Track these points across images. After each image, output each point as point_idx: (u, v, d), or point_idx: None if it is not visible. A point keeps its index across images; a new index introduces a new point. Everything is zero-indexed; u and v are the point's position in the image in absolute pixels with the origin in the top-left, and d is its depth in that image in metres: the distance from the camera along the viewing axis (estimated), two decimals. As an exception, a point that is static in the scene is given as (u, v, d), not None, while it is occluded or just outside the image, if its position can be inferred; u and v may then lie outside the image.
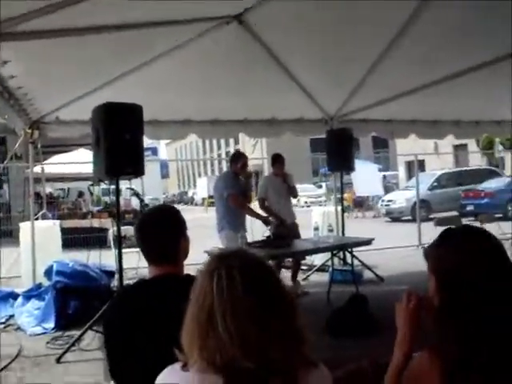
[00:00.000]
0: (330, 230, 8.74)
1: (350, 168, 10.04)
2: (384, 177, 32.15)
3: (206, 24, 6.22)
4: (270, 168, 9.59)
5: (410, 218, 21.39)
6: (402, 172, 34.79)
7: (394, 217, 23.81)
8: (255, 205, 9.48)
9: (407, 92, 8.68)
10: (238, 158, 8.40)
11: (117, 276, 6.94)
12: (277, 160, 9.02)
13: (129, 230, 9.32)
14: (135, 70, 6.96)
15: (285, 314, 1.56)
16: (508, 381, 1.59)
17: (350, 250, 8.82)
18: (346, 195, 28.69)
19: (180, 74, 7.41)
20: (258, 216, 8.73)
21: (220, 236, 8.10)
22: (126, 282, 7.77)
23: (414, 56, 7.26)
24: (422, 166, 29.11)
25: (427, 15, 6.11)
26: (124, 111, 5.80)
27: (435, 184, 24.09)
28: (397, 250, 12.14)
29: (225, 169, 8.58)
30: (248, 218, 8.68)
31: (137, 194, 10.66)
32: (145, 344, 2.29)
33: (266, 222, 8.52)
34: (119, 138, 5.71)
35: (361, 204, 26.36)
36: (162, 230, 2.55)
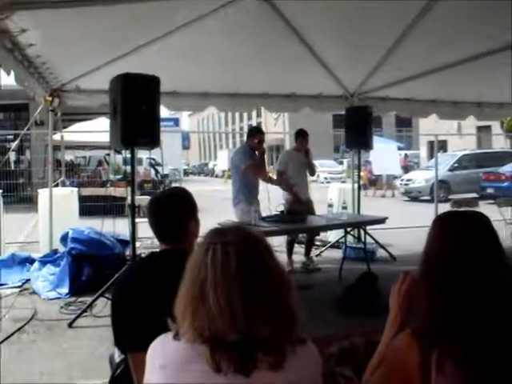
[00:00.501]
0: (344, 208, 8.73)
1: (368, 146, 9.96)
2: (406, 156, 31.92)
3: (228, -4, 6.19)
4: (292, 143, 9.58)
5: (428, 198, 21.27)
6: (423, 151, 34.46)
7: (413, 196, 23.66)
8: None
9: (428, 72, 8.58)
10: (255, 134, 8.40)
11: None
12: (301, 135, 9.01)
13: (146, 200, 9.39)
14: (156, 40, 6.97)
15: (276, 292, 1.59)
16: (481, 358, 1.60)
17: (363, 227, 8.82)
18: (361, 173, 28.67)
19: (201, 46, 7.39)
20: (276, 182, 8.80)
21: (235, 209, 8.15)
22: (141, 251, 7.90)
23: (435, 36, 7.16)
24: (444, 146, 28.85)
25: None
26: (141, 82, 5.84)
27: (456, 165, 23.84)
28: (412, 230, 12.08)
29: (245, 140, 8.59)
30: (263, 192, 8.73)
31: (153, 165, 10.68)
32: (148, 313, 2.35)
33: (283, 185, 8.61)
34: (135, 108, 5.76)
35: (375, 183, 26.21)
36: (171, 212, 2.65)
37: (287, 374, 1.54)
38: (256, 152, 8.29)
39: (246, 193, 8.08)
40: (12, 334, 5.96)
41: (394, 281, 1.99)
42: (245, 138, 8.74)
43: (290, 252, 8.97)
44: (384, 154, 21.47)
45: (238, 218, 7.85)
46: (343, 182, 17.64)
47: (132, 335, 2.43)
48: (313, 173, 9.36)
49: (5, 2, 4.50)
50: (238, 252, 1.57)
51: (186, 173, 54.15)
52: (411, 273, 1.96)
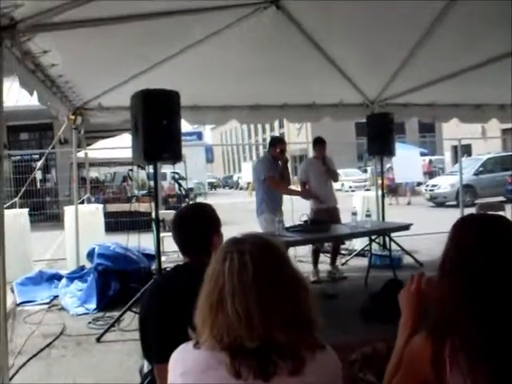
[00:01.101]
0: (368, 215, 8.71)
1: (390, 153, 9.92)
2: (430, 161, 31.70)
3: (243, 9, 6.22)
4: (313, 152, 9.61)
5: (454, 203, 21.08)
6: (448, 156, 34.21)
7: (438, 202, 23.47)
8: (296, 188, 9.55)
9: (449, 76, 8.51)
10: (277, 143, 8.44)
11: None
12: (318, 143, 9.04)
13: (171, 214, 9.46)
14: (174, 56, 7.04)
15: (293, 298, 1.61)
16: (493, 350, 1.60)
17: (388, 234, 8.79)
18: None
19: (219, 60, 7.45)
20: (297, 193, 8.83)
21: (259, 219, 8.18)
22: (167, 264, 7.96)
23: (455, 39, 7.13)
24: (468, 150, 28.60)
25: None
26: (161, 97, 5.90)
27: (481, 169, 23.63)
28: (439, 236, 11.99)
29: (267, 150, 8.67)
30: (287, 203, 8.75)
31: (176, 180, 10.77)
32: (172, 325, 2.39)
33: (305, 196, 8.61)
34: (156, 123, 5.82)
35: (394, 190, 25.99)
36: (195, 226, 2.73)
37: (307, 379, 1.56)
38: (279, 162, 8.32)
39: (269, 202, 8.11)
40: (42, 350, 6.04)
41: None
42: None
43: (315, 262, 8.97)
44: (406, 161, 21.35)
45: (262, 228, 7.88)
46: (367, 190, 17.57)
47: (157, 347, 2.48)
48: (335, 179, 9.36)
49: (27, 25, 4.59)
50: (254, 260, 1.60)
51: (213, 186, 54.30)
52: (422, 274, 1.97)
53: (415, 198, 25.76)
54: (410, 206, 23.84)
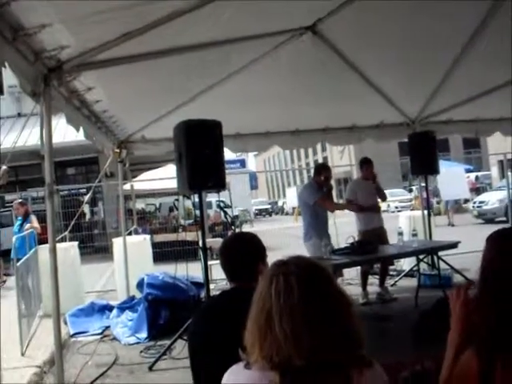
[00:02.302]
0: (414, 235, 8.63)
1: (434, 171, 9.83)
2: (476, 177, 31.20)
3: (280, 37, 6.32)
4: (359, 174, 9.61)
5: (504, 219, 20.65)
6: (494, 172, 33.59)
7: (487, 218, 23.02)
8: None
9: (490, 90, 8.45)
10: (321, 171, 8.47)
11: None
12: (364, 164, 9.06)
13: (218, 242, 9.52)
14: (215, 86, 7.17)
15: (338, 317, 1.64)
16: None
17: (436, 253, 8.69)
18: (414, 202, 28.00)
19: (259, 87, 7.56)
20: (347, 206, 8.83)
21: (307, 245, 8.18)
22: (216, 292, 8.01)
23: (493, 53, 7.07)
24: (516, 164, 28.05)
25: (505, 9, 5.97)
26: (203, 127, 6.01)
27: (530, 183, 23.11)
28: (489, 253, 11.81)
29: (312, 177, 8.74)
30: (331, 226, 8.75)
31: (221, 208, 10.87)
32: (223, 351, 2.43)
33: (353, 208, 8.60)
34: (200, 153, 5.92)
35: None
36: (242, 255, 2.82)
37: None
38: (324, 188, 8.33)
39: (317, 228, 8.12)
40: (96, 379, 6.16)
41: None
42: (312, 174, 8.82)
43: (364, 283, 8.92)
44: (451, 179, 21.05)
45: (310, 253, 7.88)
46: (412, 209, 17.38)
47: (206, 372, 2.52)
48: (384, 198, 9.34)
49: (73, 65, 4.77)
50: (299, 281, 1.64)
51: (269, 213, 53.99)
52: (463, 288, 1.96)
53: (461, 216, 25.26)
54: (454, 226, 23.34)
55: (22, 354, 6.95)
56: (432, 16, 6.13)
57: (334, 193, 8.84)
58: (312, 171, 8.99)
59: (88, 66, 5.00)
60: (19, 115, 22.25)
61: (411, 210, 18.90)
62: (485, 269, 1.84)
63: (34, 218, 11.34)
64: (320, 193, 8.23)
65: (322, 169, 8.65)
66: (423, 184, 10.74)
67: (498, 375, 1.61)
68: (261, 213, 53.67)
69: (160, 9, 4.30)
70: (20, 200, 12.49)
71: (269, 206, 57.43)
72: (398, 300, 8.86)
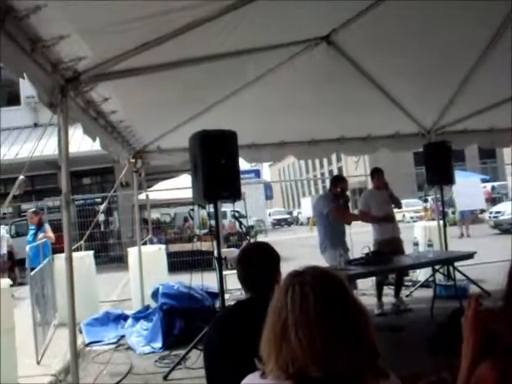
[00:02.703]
0: (430, 245, 8.60)
1: (449, 181, 9.82)
2: (493, 187, 31.00)
3: (295, 47, 6.34)
4: (372, 184, 9.59)
5: (521, 229, 20.50)
6: (510, 182, 33.35)
7: (504, 229, 22.84)
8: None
9: (506, 99, 8.40)
10: (338, 182, 8.47)
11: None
12: (374, 173, 9.06)
13: (233, 252, 9.55)
14: (230, 96, 7.20)
15: (355, 327, 1.64)
16: None
17: (452, 264, 8.64)
18: (423, 213, 27.83)
19: (273, 98, 7.58)
20: (358, 217, 8.81)
21: (323, 256, 8.15)
22: (230, 302, 8.01)
23: (509, 62, 7.05)
24: (532, 174, 27.85)
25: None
26: (219, 137, 6.03)
27: (546, 192, 22.97)
28: (506, 264, 11.70)
29: (328, 188, 8.74)
30: (348, 236, 8.73)
31: (236, 218, 10.88)
32: (236, 359, 2.44)
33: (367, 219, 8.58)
34: (215, 163, 5.94)
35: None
36: (258, 266, 2.84)
37: None
38: (340, 200, 8.32)
39: (332, 238, 8.09)
40: (111, 389, 6.17)
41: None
42: (327, 184, 8.83)
43: (379, 294, 8.87)
44: (467, 189, 20.92)
45: (327, 263, 7.85)
46: (428, 219, 17.29)
47: (222, 382, 2.53)
48: (398, 205, 9.31)
49: (89, 76, 4.82)
50: (315, 291, 1.64)
51: (288, 223, 52.26)
52: (477, 297, 1.94)
53: (477, 226, 25.07)
54: (473, 234, 23.17)
55: (38, 363, 6.99)
56: (447, 26, 6.14)
57: (349, 203, 8.80)
58: (327, 181, 9.02)
59: (105, 77, 5.05)
60: (36, 125, 22.47)
61: (421, 220, 18.73)
62: (508, 282, 1.82)
63: (48, 227, 11.39)
64: (335, 203, 8.21)
65: (338, 180, 8.64)
66: (438, 195, 10.68)
67: None
68: (279, 223, 52.07)
69: (176, 20, 4.34)
70: (34, 209, 12.55)
71: (288, 216, 55.37)
72: (413, 311, 8.80)
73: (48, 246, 10.00)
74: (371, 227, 9.13)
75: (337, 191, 8.31)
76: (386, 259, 7.85)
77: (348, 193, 8.75)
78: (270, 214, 55.10)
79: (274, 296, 1.75)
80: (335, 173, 49.15)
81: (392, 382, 1.68)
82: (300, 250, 16.69)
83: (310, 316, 1.61)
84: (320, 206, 8.38)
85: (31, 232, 11.57)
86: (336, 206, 8.15)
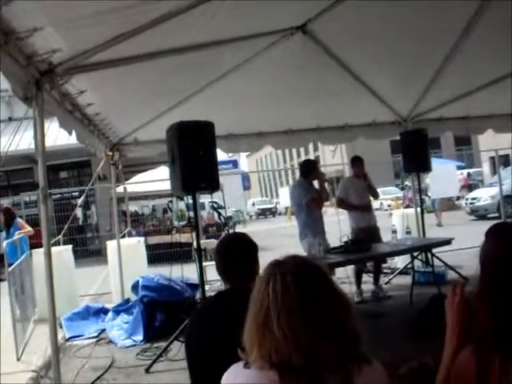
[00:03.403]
0: (408, 232, 8.67)
1: (426, 169, 9.91)
2: (468, 174, 31.31)
3: (270, 37, 6.35)
4: (351, 172, 9.62)
5: (496, 215, 20.71)
6: (486, 168, 33.74)
7: (480, 214, 23.07)
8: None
9: (481, 87, 8.49)
10: (313, 169, 8.43)
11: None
12: (355, 161, 9.09)
13: (212, 244, 9.54)
14: (206, 86, 7.19)
15: (336, 314, 1.65)
16: None
17: (430, 250, 8.73)
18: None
19: (250, 88, 7.57)
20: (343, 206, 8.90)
21: (302, 244, 8.15)
22: (210, 293, 8.02)
23: (484, 50, 7.11)
24: (507, 160, 28.17)
25: (494, 7, 6.01)
26: (196, 128, 6.01)
27: (521, 178, 23.18)
28: (482, 250, 11.82)
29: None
30: (334, 224, 8.75)
31: (215, 209, 10.87)
32: (218, 350, 2.45)
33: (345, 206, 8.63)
34: (193, 154, 5.92)
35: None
36: (237, 256, 2.88)
37: None
38: (316, 182, 8.29)
39: (312, 226, 8.08)
40: (93, 383, 6.15)
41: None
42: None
43: (358, 282, 8.94)
44: (443, 176, 21.05)
45: (306, 251, 7.87)
46: (406, 207, 17.41)
47: (204, 372, 2.54)
48: (375, 196, 9.37)
49: (65, 68, 4.77)
50: (296, 280, 1.65)
51: (273, 212, 50.43)
52: (460, 284, 1.96)
53: (454, 213, 25.28)
54: (451, 220, 23.32)
55: (18, 359, 6.93)
56: (422, 14, 6.18)
57: (327, 187, 8.77)
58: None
59: (80, 69, 5.00)
60: (10, 119, 22.19)
61: (404, 207, 18.80)
62: (486, 262, 1.85)
63: (20, 221, 10.89)
64: (311, 191, 8.18)
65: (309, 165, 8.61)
66: (416, 182, 10.76)
67: (495, 374, 1.62)
68: (264, 213, 50.84)
69: (151, 11, 4.31)
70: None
71: (273, 206, 53.22)
72: (392, 298, 8.88)
73: (25, 241, 9.89)
74: (347, 215, 9.19)
75: (313, 174, 8.27)
76: (365, 247, 7.89)
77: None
78: (253, 204, 54.82)
79: (255, 286, 1.76)
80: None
81: (374, 368, 1.70)
82: (279, 239, 16.78)
83: (291, 305, 1.62)
84: (297, 196, 8.34)
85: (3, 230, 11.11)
86: (312, 196, 8.13)
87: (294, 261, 1.76)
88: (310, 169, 8.41)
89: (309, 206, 8.06)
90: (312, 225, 8.09)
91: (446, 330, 1.91)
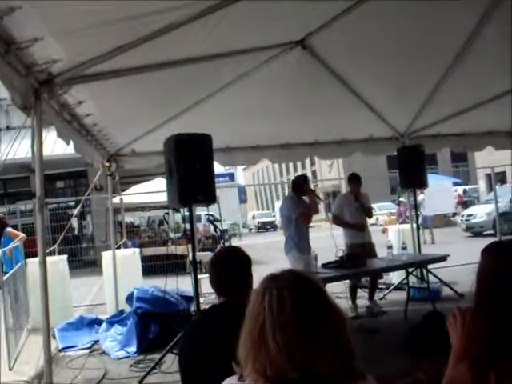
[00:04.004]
0: (404, 248, 8.68)
1: (422, 185, 9.92)
2: (464, 191, 31.35)
3: (270, 51, 6.37)
4: (347, 187, 9.62)
5: (492, 232, 20.74)
6: (482, 185, 33.82)
7: (475, 231, 23.09)
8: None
9: (479, 103, 8.53)
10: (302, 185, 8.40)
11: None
12: (351, 180, 9.09)
13: (207, 256, 9.52)
14: (204, 99, 7.20)
15: (332, 330, 1.65)
16: None
17: (425, 266, 8.74)
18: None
19: (248, 101, 7.59)
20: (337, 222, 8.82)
21: (288, 257, 8.16)
22: (205, 306, 8.00)
23: (483, 66, 7.14)
24: (503, 177, 28.24)
25: (493, 23, 6.04)
26: (193, 141, 6.02)
27: (517, 196, 23.23)
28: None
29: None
30: (318, 239, 8.73)
31: (211, 221, 10.87)
32: (215, 365, 2.44)
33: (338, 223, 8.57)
34: (190, 167, 5.93)
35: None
36: (229, 270, 2.89)
37: None
38: (304, 198, 8.25)
39: (297, 240, 8.07)
40: (85, 395, 6.11)
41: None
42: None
43: (353, 297, 8.93)
44: (438, 192, 21.05)
45: (291, 265, 7.85)
46: (402, 222, 17.42)
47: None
48: (369, 215, 9.36)
49: (64, 79, 4.79)
50: (291, 294, 1.65)
51: (274, 226, 47.49)
52: (461, 308, 1.97)
53: (450, 230, 25.27)
54: (444, 236, 23.29)
55: (10, 369, 6.90)
56: (421, 31, 6.21)
57: (322, 206, 8.80)
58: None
59: (79, 80, 5.02)
60: (8, 128, 22.19)
61: (400, 223, 18.77)
62: (482, 279, 1.86)
63: (10, 229, 10.71)
64: (300, 206, 8.15)
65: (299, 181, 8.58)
66: (412, 198, 10.78)
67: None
68: (264, 226, 48.88)
69: (151, 23, 4.32)
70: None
71: (273, 219, 50.12)
72: (387, 313, 8.87)
73: (20, 251, 9.86)
74: (342, 231, 9.18)
75: (303, 191, 8.24)
76: (361, 262, 7.90)
77: (321, 195, 8.75)
78: (253, 217, 54.34)
79: (250, 300, 1.76)
80: (309, 176, 49.12)
81: (369, 382, 1.70)
82: (274, 253, 16.73)
83: (287, 319, 1.62)
84: (286, 211, 8.34)
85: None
86: (301, 212, 8.12)
87: (290, 275, 1.76)
88: (299, 185, 8.39)
89: (297, 221, 8.05)
90: (297, 239, 8.08)
91: (451, 350, 1.90)
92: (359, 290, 9.26)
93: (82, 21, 3.93)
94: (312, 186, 8.56)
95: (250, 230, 49.58)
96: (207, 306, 8.09)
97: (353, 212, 8.96)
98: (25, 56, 4.12)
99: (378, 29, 6.07)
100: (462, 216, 24.82)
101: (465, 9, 5.69)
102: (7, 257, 9.02)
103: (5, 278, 7.72)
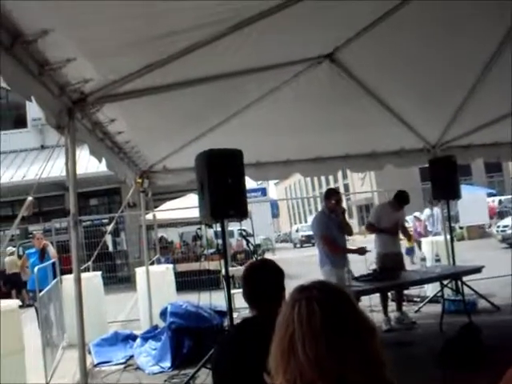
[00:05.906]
0: (437, 260, 8.59)
1: (455, 196, 9.82)
2: (500, 201, 30.90)
3: (298, 66, 6.40)
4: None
5: (529, 243, 20.40)
6: (517, 195, 33.24)
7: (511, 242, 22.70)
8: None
9: (510, 113, 8.43)
10: (331, 196, 8.36)
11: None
12: (332, 195, 8.56)
13: (240, 271, 9.54)
14: (235, 115, 7.26)
15: (362, 341, 1.65)
16: None
17: (460, 278, 8.63)
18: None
19: (278, 116, 7.62)
20: (353, 251, 8.67)
21: (322, 271, 8.14)
22: (238, 321, 7.99)
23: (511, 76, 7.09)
24: (539, 187, 27.78)
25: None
26: (225, 157, 6.03)
27: (554, 205, 22.86)
28: (514, 278, 11.63)
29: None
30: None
31: (244, 236, 10.89)
32: (248, 379, 2.46)
33: (361, 252, 8.49)
34: (222, 182, 5.94)
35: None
36: (261, 283, 2.89)
37: None
38: (334, 214, 8.22)
39: (331, 256, 8.05)
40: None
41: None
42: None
43: (385, 309, 8.85)
44: (472, 203, 20.80)
45: (325, 279, 7.80)
46: (435, 234, 17.23)
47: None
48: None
49: (96, 97, 4.88)
50: (321, 306, 1.66)
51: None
52: None
53: (486, 241, 24.89)
54: (481, 246, 22.94)
55: (47, 383, 6.98)
56: (450, 40, 6.18)
57: (356, 220, 8.79)
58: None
59: (111, 98, 5.11)
60: (42, 147, 22.60)
61: (434, 235, 18.53)
62: None
63: (52, 250, 10.92)
64: (330, 225, 8.07)
65: (331, 194, 8.54)
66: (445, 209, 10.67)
67: None
68: (309, 240, 47.17)
69: (180, 41, 4.39)
70: (39, 232, 12.32)
71: (275, 234, 48.74)
72: (422, 326, 8.75)
73: (54, 268, 10.00)
74: (374, 242, 9.14)
75: (331, 204, 8.18)
76: (394, 275, 7.84)
77: (354, 209, 8.73)
78: (297, 230, 53.84)
79: (280, 311, 1.77)
80: (341, 190, 48.99)
81: None
82: (307, 267, 16.66)
83: (316, 331, 1.62)
84: (315, 228, 8.42)
85: (35, 254, 11.10)
86: (327, 235, 8.03)
87: (320, 286, 1.77)
88: (327, 195, 8.44)
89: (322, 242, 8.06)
90: (332, 254, 8.04)
91: None
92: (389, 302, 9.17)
93: (112, 41, 4.01)
94: (344, 200, 8.54)
95: (295, 245, 48.57)
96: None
97: (390, 222, 8.93)
98: (58, 76, 4.21)
99: (407, 40, 6.07)
100: (498, 227, 24.44)
101: (493, 20, 5.66)
102: (45, 272, 9.16)
103: (40, 294, 7.84)
